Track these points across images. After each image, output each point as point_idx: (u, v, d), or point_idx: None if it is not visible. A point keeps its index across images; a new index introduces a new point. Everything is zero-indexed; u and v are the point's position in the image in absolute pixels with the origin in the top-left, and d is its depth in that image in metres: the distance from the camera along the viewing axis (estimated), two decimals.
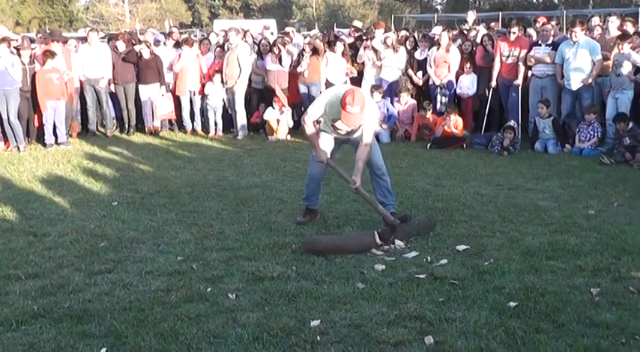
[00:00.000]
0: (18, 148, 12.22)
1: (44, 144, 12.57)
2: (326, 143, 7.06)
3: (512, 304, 4.94)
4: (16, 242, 6.79)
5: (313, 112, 6.90)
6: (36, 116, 12.83)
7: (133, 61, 13.75)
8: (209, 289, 5.37)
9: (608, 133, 11.50)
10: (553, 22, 12.77)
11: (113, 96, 14.06)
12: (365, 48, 13.74)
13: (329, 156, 7.06)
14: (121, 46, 13.88)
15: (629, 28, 12.23)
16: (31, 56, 12.60)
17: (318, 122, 7.07)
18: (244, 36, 15.13)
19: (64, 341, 4.48)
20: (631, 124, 10.65)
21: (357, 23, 17.92)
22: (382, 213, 6.81)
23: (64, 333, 4.60)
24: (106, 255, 6.31)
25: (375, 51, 13.53)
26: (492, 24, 19.51)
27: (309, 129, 6.99)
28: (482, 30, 15.21)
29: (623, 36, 11.32)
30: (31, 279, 5.70)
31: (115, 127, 14.38)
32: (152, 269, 5.87)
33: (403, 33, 15.41)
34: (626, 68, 11.04)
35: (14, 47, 12.55)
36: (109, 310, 4.97)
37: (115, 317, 4.84)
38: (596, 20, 13.52)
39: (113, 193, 8.89)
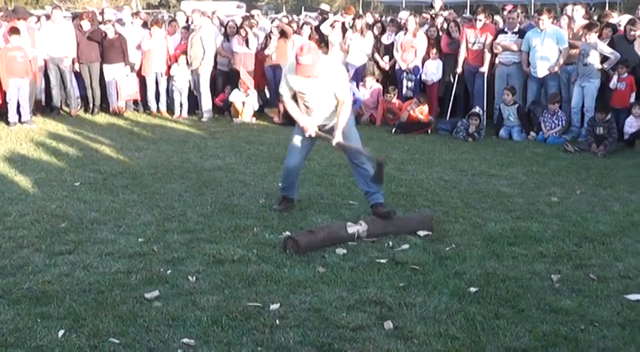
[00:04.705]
0: None
1: (7, 123, 12.37)
2: (300, 145, 6.95)
3: (473, 289, 4.98)
4: None
5: (283, 89, 6.76)
6: None
7: (98, 40, 13.57)
8: (169, 271, 5.35)
9: (573, 121, 11.59)
10: (519, 11, 12.77)
11: (77, 76, 13.88)
12: (332, 27, 13.75)
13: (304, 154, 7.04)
14: (86, 24, 13.67)
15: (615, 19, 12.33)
16: None
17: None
18: (211, 17, 15.03)
19: (22, 322, 4.44)
20: (609, 115, 10.69)
21: (325, 6, 17.82)
22: (366, 154, 6.70)
23: (23, 315, 4.55)
24: (66, 235, 6.25)
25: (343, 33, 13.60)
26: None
27: (289, 104, 6.78)
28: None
29: (590, 25, 11.36)
30: None
31: (79, 107, 14.17)
32: (113, 251, 5.83)
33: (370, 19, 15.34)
34: (593, 57, 11.09)
35: None
36: (69, 292, 4.94)
37: (74, 298, 4.81)
38: (568, 10, 13.51)
39: (75, 173, 8.78)
